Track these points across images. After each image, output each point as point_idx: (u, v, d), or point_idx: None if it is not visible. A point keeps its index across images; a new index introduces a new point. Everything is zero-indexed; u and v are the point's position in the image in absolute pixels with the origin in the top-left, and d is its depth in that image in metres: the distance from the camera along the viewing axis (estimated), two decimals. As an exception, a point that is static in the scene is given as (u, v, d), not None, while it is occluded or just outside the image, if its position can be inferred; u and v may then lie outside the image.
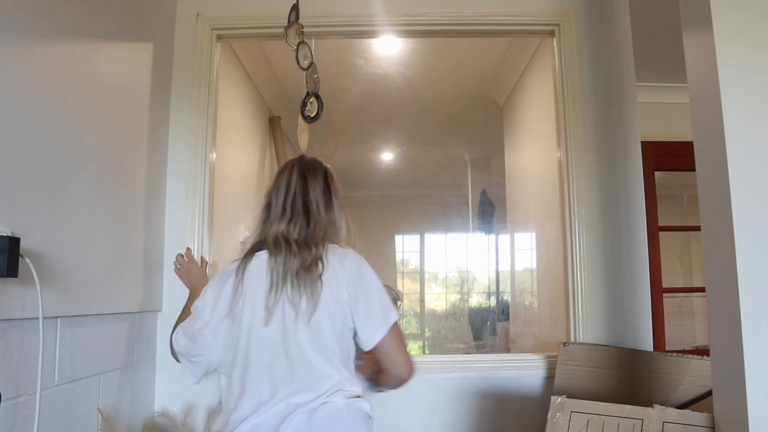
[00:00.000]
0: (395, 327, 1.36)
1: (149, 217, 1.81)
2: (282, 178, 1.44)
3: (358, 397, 1.33)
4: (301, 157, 1.49)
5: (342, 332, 1.34)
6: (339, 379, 1.30)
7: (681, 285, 4.20)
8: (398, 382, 1.40)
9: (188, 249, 1.92)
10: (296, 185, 1.42)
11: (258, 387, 1.31)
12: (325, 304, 1.31)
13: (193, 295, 1.70)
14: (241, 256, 1.41)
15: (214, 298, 1.37)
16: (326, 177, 1.46)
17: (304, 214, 1.39)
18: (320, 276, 1.32)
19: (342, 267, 1.36)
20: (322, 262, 1.34)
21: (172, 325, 1.50)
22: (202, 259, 1.93)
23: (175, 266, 1.84)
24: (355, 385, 1.34)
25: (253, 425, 1.29)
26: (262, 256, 1.36)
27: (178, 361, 1.44)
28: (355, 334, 1.36)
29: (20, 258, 1.08)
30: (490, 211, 4.38)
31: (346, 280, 1.35)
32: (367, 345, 1.35)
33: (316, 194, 1.41)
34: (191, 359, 1.39)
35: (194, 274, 1.80)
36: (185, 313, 1.58)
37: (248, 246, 1.43)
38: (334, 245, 1.40)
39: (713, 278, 1.26)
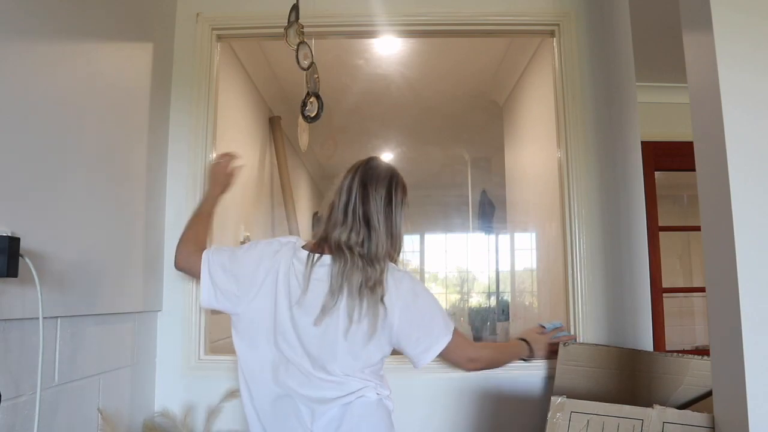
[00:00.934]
0: (454, 335, 1.41)
1: (149, 217, 1.81)
2: (345, 180, 1.42)
3: (386, 396, 1.40)
4: (369, 161, 1.45)
5: (386, 352, 1.39)
6: (373, 384, 1.36)
7: (681, 285, 4.20)
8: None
9: (227, 155, 1.74)
10: (357, 192, 1.39)
11: (289, 377, 1.34)
12: (381, 328, 1.34)
13: (205, 201, 1.67)
14: (308, 247, 1.41)
15: (259, 275, 1.38)
16: (390, 186, 1.41)
17: (364, 224, 1.37)
18: (382, 299, 1.33)
19: (397, 291, 1.36)
20: (385, 284, 1.34)
21: (176, 245, 1.57)
22: (231, 159, 1.75)
23: (216, 162, 1.75)
24: (385, 388, 1.40)
25: (283, 409, 1.33)
26: (327, 261, 1.37)
27: (180, 268, 1.53)
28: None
29: (20, 258, 1.08)
30: (490, 211, 4.38)
31: (399, 306, 1.36)
32: (417, 365, 1.41)
33: (376, 205, 1.38)
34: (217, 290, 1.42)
35: (220, 182, 1.70)
36: (196, 224, 1.59)
37: (312, 240, 1.43)
38: (393, 265, 1.40)
39: (713, 278, 1.26)
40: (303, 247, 1.42)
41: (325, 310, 1.32)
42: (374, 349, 1.35)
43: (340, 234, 1.36)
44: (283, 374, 1.34)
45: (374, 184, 1.39)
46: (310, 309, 1.34)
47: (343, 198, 1.39)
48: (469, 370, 1.51)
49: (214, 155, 1.89)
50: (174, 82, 2.01)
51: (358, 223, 1.36)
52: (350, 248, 1.35)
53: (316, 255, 1.38)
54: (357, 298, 1.31)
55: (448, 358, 1.46)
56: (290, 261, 1.38)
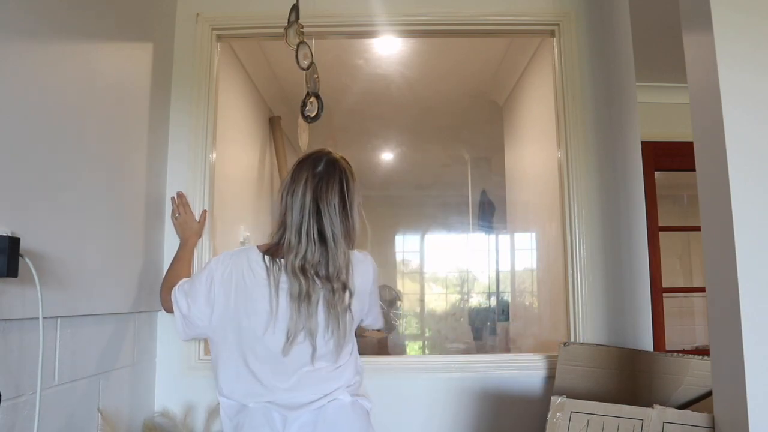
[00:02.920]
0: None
1: (149, 216, 1.81)
2: (297, 192, 1.35)
3: (362, 396, 1.39)
4: (314, 167, 1.36)
5: (354, 337, 1.42)
6: (348, 382, 1.36)
7: (681, 285, 4.20)
8: None
9: (181, 193, 1.90)
10: (309, 210, 1.33)
11: (260, 381, 1.33)
12: (350, 323, 1.37)
13: (185, 247, 1.79)
14: (269, 251, 1.38)
15: (225, 291, 1.37)
16: (342, 189, 1.36)
17: (320, 243, 1.33)
18: (349, 307, 1.35)
19: (361, 278, 1.40)
20: (350, 290, 1.35)
21: (160, 290, 1.65)
22: (202, 213, 1.93)
23: (173, 215, 1.88)
24: (361, 387, 1.40)
25: (255, 418, 1.31)
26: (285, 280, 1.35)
27: (166, 311, 1.54)
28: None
29: (20, 258, 1.08)
30: (490, 211, 4.37)
31: (362, 291, 1.41)
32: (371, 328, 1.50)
33: (330, 219, 1.33)
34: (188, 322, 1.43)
35: (191, 227, 1.85)
36: (177, 265, 1.70)
37: (269, 244, 1.40)
38: (353, 252, 1.41)
39: (713, 278, 1.26)
40: (265, 252, 1.38)
41: (290, 338, 1.31)
42: (344, 343, 1.37)
43: (294, 258, 1.31)
44: (250, 390, 1.33)
45: (326, 198, 1.33)
46: (279, 324, 1.32)
47: (295, 218, 1.33)
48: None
49: (176, 196, 1.92)
50: (174, 82, 2.01)
51: (313, 243, 1.32)
52: (305, 271, 1.31)
53: (279, 261, 1.35)
54: (323, 316, 1.32)
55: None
56: (245, 269, 1.36)
